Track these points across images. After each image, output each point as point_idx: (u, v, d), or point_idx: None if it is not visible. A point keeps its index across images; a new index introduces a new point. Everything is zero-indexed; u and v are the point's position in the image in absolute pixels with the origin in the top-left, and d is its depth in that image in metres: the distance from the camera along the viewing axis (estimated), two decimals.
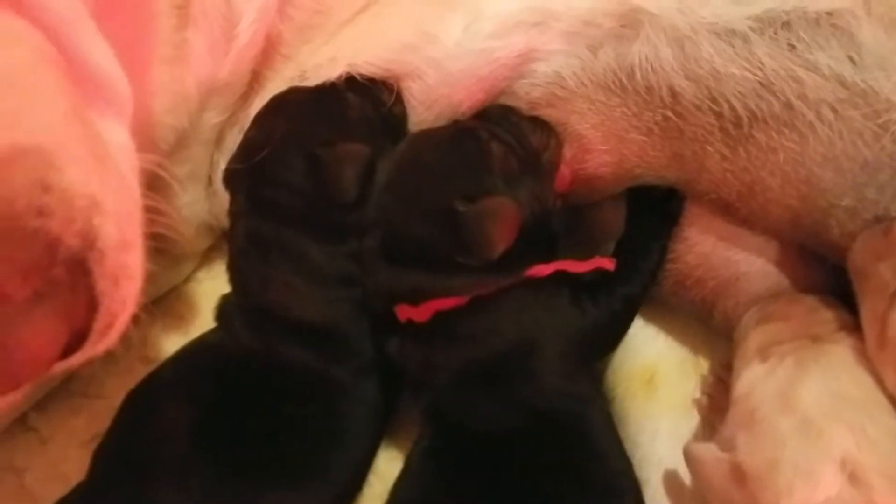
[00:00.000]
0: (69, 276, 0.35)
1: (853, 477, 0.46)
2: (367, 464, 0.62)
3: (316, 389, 0.59)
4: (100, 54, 0.43)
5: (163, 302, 0.75)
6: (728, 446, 0.52)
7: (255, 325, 0.60)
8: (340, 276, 0.60)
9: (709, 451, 0.52)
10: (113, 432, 0.58)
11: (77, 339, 0.38)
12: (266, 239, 0.60)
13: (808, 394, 0.49)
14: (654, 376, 0.64)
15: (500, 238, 0.55)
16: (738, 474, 0.50)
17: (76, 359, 0.39)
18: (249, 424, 0.56)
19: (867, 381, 0.49)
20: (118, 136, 0.44)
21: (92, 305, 0.37)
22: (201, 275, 0.77)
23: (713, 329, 0.63)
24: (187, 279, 0.77)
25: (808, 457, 0.47)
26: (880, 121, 0.51)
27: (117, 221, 0.39)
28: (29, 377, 0.36)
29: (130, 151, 0.45)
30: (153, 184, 0.67)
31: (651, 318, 0.67)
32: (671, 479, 0.58)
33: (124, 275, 0.39)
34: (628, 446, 0.59)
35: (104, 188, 0.38)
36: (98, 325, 0.38)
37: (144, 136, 0.62)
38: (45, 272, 0.34)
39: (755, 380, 0.52)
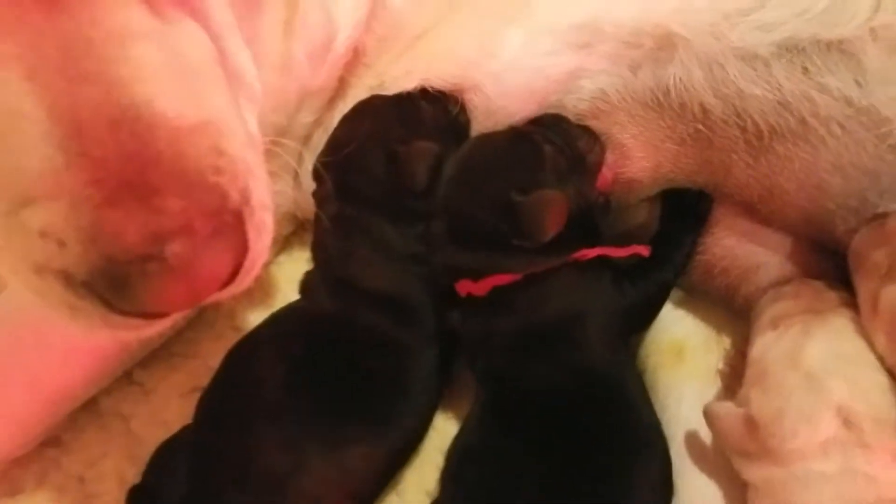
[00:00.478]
0: (234, 222, 0.46)
1: (847, 421, 0.56)
2: (428, 417, 0.71)
3: (387, 350, 0.69)
4: (244, 57, 0.54)
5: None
6: (743, 402, 0.61)
7: (337, 294, 0.70)
8: (411, 253, 0.70)
9: (726, 408, 0.62)
10: (215, 383, 0.68)
11: (231, 276, 0.48)
12: (349, 220, 0.70)
13: (811, 354, 0.58)
14: (682, 350, 0.73)
15: (551, 225, 0.65)
16: (751, 425, 0.60)
17: (229, 291, 0.49)
18: (331, 376, 0.66)
19: (861, 344, 0.59)
20: (252, 124, 0.55)
21: (243, 249, 0.48)
22: (282, 258, 0.87)
23: (735, 311, 0.72)
24: (270, 262, 0.87)
25: (810, 405, 0.57)
26: (880, 132, 0.61)
27: (260, 184, 0.49)
28: (206, 294, 0.46)
29: (258, 137, 0.56)
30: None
31: (681, 302, 0.76)
32: (693, 437, 0.67)
33: (265, 229, 0.49)
34: (657, 408, 0.69)
35: (251, 157, 0.49)
36: (246, 265, 0.48)
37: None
38: (219, 217, 0.45)
39: (767, 344, 0.61)
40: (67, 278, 0.43)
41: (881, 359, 0.58)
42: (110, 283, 0.42)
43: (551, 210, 0.65)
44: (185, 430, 0.68)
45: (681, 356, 0.73)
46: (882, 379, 0.57)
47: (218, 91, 0.48)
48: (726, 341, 0.72)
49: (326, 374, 0.66)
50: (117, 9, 0.43)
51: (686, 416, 0.68)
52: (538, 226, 0.64)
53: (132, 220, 0.41)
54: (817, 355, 0.58)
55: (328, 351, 0.68)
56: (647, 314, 0.72)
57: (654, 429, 0.66)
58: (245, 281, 0.50)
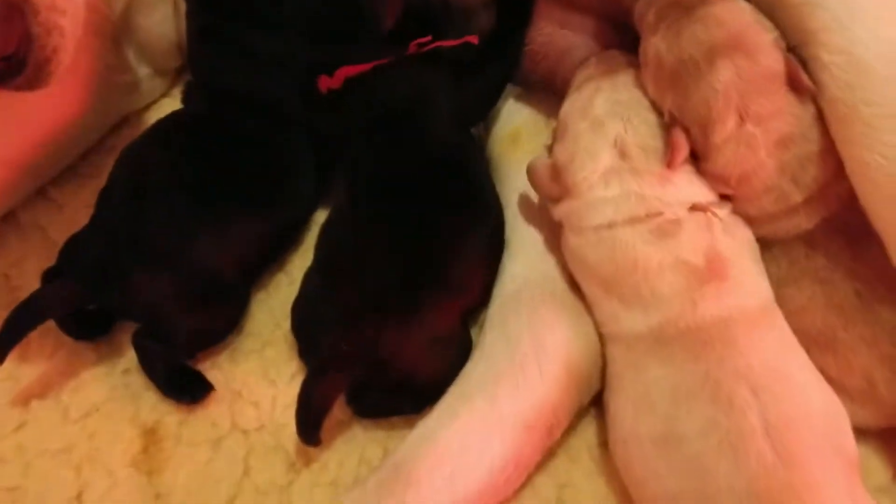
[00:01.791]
0: (8, 13, 0.55)
1: (622, 152, 0.68)
2: (308, 205, 0.83)
3: (264, 144, 0.79)
4: None
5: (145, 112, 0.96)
6: (550, 155, 0.73)
7: (213, 100, 0.80)
8: (276, 58, 0.79)
9: (538, 161, 0.74)
10: (110, 177, 0.78)
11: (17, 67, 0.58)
12: (216, 31, 0.79)
13: (597, 104, 0.70)
14: (518, 136, 0.85)
15: (388, 14, 0.75)
16: (555, 171, 0.72)
17: (19, 82, 0.59)
18: (213, 166, 0.76)
19: (638, 93, 0.70)
20: None
21: (28, 39, 0.57)
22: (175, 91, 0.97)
23: (559, 95, 0.82)
24: (164, 94, 0.97)
25: (593, 143, 0.69)
26: None
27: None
28: None
29: None
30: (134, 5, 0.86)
31: (518, 97, 0.87)
32: (523, 199, 0.80)
33: (56, 30, 0.59)
34: (499, 186, 0.81)
35: None
36: (32, 59, 0.58)
37: None
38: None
39: (569, 104, 0.73)
40: None
41: (653, 103, 0.70)
42: None
43: (386, 6, 0.75)
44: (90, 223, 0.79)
45: (517, 141, 0.84)
46: (651, 117, 0.69)
47: None
48: (553, 123, 0.83)
49: (208, 163, 0.77)
50: None
51: (519, 185, 0.80)
52: (373, 17, 0.74)
53: None
54: (601, 104, 0.70)
55: (209, 145, 0.78)
56: (485, 102, 0.83)
57: (491, 194, 0.79)
58: (44, 75, 0.60)
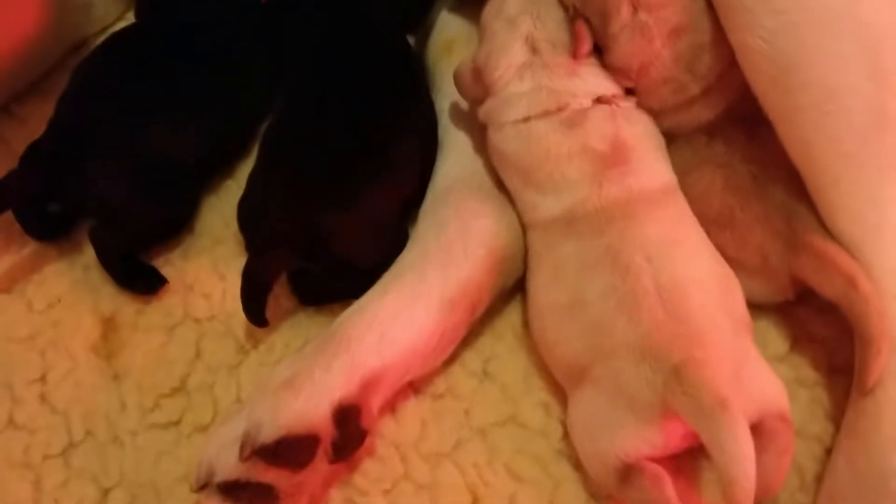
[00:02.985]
0: None
1: (532, 47, 0.74)
2: (255, 110, 0.88)
3: (215, 47, 0.84)
4: None
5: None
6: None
7: (161, 8, 0.86)
8: None
9: (463, 65, 0.80)
10: (69, 83, 0.84)
11: None
12: None
13: (511, 3, 0.76)
14: (452, 44, 0.90)
15: None
16: (476, 73, 0.78)
17: None
18: (163, 64, 0.82)
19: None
20: None
21: None
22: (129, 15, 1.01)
23: None
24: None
25: (507, 40, 0.75)
26: None
27: None
28: None
29: None
30: None
31: (450, 9, 0.92)
32: (454, 105, 0.86)
33: None
34: (433, 92, 0.88)
35: None
36: None
37: None
38: None
39: (488, 7, 0.78)
40: None
41: (561, 2, 0.76)
42: None
43: None
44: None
45: (450, 49, 0.90)
46: (558, 14, 0.76)
47: None
48: None
49: (159, 64, 0.82)
50: None
51: (451, 93, 0.86)
52: None
53: None
54: (514, 4, 0.76)
55: (159, 49, 0.84)
56: (419, 6, 0.89)
57: (425, 93, 0.85)
58: None
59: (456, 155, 0.84)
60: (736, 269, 0.74)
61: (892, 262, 0.70)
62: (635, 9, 0.71)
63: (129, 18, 1.00)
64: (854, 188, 0.70)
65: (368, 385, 0.69)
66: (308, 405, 0.67)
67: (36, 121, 0.92)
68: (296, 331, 0.81)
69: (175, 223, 0.84)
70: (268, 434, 0.66)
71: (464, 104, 0.85)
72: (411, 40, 0.92)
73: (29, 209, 0.83)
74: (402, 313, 0.73)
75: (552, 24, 0.74)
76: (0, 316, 0.82)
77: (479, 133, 0.83)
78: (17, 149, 0.89)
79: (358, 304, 0.75)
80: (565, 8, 0.75)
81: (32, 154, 0.81)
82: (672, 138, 0.78)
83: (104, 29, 0.99)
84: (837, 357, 0.76)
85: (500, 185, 0.81)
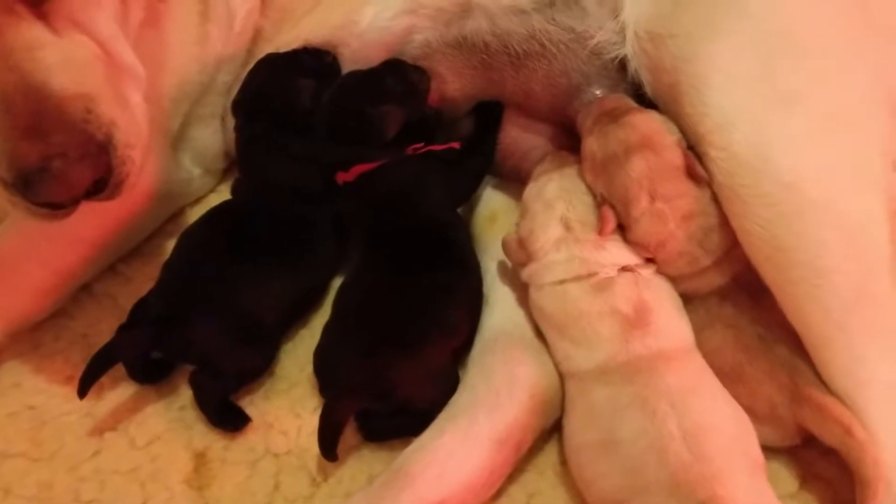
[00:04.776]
0: (96, 151, 0.78)
1: (566, 225, 0.90)
2: (329, 270, 1.04)
3: (296, 222, 1.00)
4: (128, 55, 0.86)
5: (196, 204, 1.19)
6: (518, 231, 0.94)
7: (256, 191, 1.03)
8: (306, 156, 1.02)
9: (509, 236, 0.95)
10: (173, 252, 1.00)
11: (101, 187, 0.81)
12: (259, 137, 1.03)
13: (549, 189, 0.92)
14: (495, 216, 1.07)
15: (390, 129, 0.98)
16: (521, 243, 0.93)
17: (105, 195, 0.82)
18: (253, 238, 0.98)
19: (579, 182, 0.93)
20: (136, 97, 0.86)
21: (106, 168, 0.80)
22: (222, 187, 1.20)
23: (524, 184, 1.03)
24: (211, 189, 1.20)
25: (545, 219, 0.90)
26: (587, 45, 0.96)
27: (127, 133, 0.81)
28: (77, 191, 0.79)
29: (142, 105, 0.87)
30: (190, 121, 1.10)
31: (495, 186, 1.10)
32: (500, 266, 1.01)
33: (129, 160, 0.82)
34: (480, 254, 1.03)
35: (122, 116, 0.81)
36: (111, 182, 0.81)
37: (181, 92, 1.06)
38: (85, 147, 0.78)
39: (529, 191, 0.95)
40: (3, 182, 0.78)
41: (589, 187, 0.92)
42: (23, 185, 0.77)
43: (390, 119, 0.98)
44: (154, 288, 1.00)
45: (494, 219, 1.07)
46: (587, 199, 0.91)
47: (94, 75, 0.81)
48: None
49: (251, 236, 0.99)
50: (27, 28, 0.77)
51: (497, 256, 1.01)
52: (380, 129, 0.97)
53: (33, 147, 0.76)
54: (552, 190, 0.92)
55: (253, 223, 1.00)
56: (466, 189, 1.05)
57: (473, 258, 1.00)
58: (118, 191, 0.83)
59: (501, 309, 0.98)
60: (749, 416, 0.85)
61: (882, 413, 0.81)
62: (653, 198, 0.86)
63: (220, 190, 1.19)
64: (843, 349, 0.83)
65: None
66: None
67: (140, 279, 1.09)
68: (361, 464, 0.93)
69: (261, 368, 0.98)
70: None
71: (507, 265, 1.00)
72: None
73: (134, 358, 0.97)
74: (458, 452, 0.84)
75: (582, 207, 0.90)
76: (106, 451, 0.94)
77: (520, 290, 0.97)
78: (123, 304, 1.06)
79: (419, 442, 0.86)
80: (593, 194, 0.91)
81: (141, 312, 0.96)
82: (688, 299, 0.92)
83: (199, 199, 1.17)
84: (843, 494, 0.86)
85: (539, 335, 0.94)
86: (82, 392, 0.90)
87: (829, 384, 0.83)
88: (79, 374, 0.90)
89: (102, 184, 0.81)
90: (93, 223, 1.04)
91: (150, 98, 0.90)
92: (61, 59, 0.78)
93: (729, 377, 0.87)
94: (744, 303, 0.90)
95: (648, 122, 0.89)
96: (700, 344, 0.89)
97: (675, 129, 0.90)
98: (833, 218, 0.81)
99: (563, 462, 0.91)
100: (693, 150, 0.88)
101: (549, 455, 0.92)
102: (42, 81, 0.76)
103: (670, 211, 0.87)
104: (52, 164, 0.76)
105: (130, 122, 0.83)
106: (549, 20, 0.98)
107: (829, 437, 0.82)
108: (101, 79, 0.81)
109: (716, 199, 0.87)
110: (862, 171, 0.84)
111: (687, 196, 0.87)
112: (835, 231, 0.81)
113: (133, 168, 0.83)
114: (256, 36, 1.10)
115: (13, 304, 1.01)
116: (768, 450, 0.85)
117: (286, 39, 1.08)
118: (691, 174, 0.87)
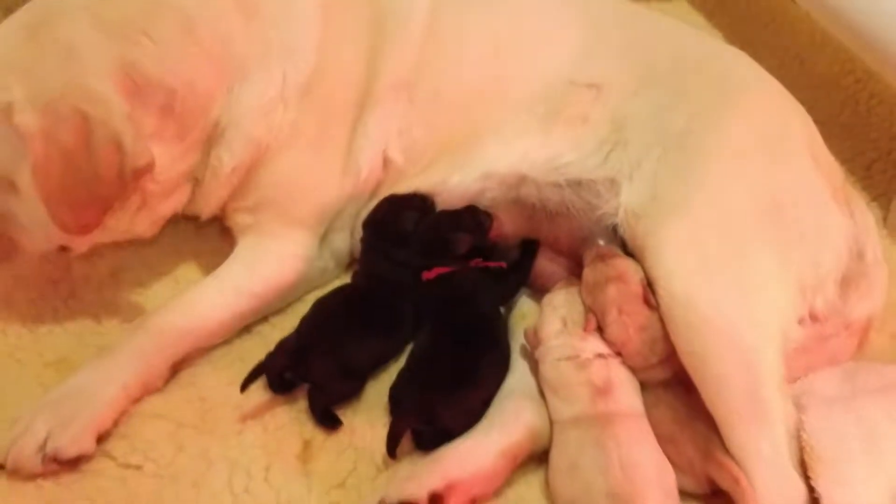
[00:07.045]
0: None
1: (564, 323, 1.39)
2: (409, 338, 1.53)
3: (390, 304, 1.53)
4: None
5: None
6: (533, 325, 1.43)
7: (368, 279, 1.56)
8: (402, 261, 1.55)
9: (528, 328, 1.44)
10: (309, 310, 1.52)
11: None
12: (375, 247, 1.57)
13: (557, 299, 1.43)
14: (525, 315, 1.58)
15: (463, 248, 1.51)
16: (534, 333, 1.42)
17: None
18: (363, 311, 1.50)
19: (577, 296, 1.43)
20: None
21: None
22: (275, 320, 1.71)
23: None
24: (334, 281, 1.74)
25: (552, 318, 1.40)
26: (595, 212, 1.47)
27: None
28: None
29: None
30: (330, 230, 1.66)
31: (528, 295, 1.61)
32: (522, 347, 1.49)
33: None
34: (511, 338, 1.52)
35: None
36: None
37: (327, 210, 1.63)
38: None
39: (545, 299, 1.45)
40: None
41: (583, 301, 1.41)
42: None
43: (462, 242, 1.51)
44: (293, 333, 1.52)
45: (524, 316, 1.58)
46: (581, 308, 1.41)
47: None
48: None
49: (361, 308, 1.51)
50: None
51: (521, 339, 1.49)
52: (455, 247, 1.51)
53: None
54: (559, 300, 1.42)
55: (364, 299, 1.53)
56: (507, 296, 1.57)
57: (506, 342, 1.50)
58: None
59: (519, 375, 1.46)
60: (673, 467, 1.29)
61: (761, 473, 1.23)
62: (620, 313, 1.35)
63: (342, 277, 1.73)
64: (740, 431, 1.26)
65: (449, 487, 1.25)
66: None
67: (282, 327, 1.61)
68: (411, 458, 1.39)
69: (353, 394, 1.47)
70: None
71: (527, 347, 1.47)
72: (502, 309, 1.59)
73: (274, 375, 1.48)
74: (475, 451, 1.30)
75: (575, 313, 1.40)
76: (247, 432, 1.43)
77: (532, 363, 1.45)
78: (270, 342, 1.57)
79: (447, 447, 1.33)
80: (585, 305, 1.40)
81: (281, 348, 1.47)
82: (644, 385, 1.37)
83: (328, 282, 1.71)
84: None
85: (541, 394, 1.40)
86: (242, 389, 1.41)
87: (730, 451, 1.27)
88: (238, 381, 1.42)
89: None
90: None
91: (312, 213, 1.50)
92: None
93: (664, 439, 1.31)
94: (680, 392, 1.35)
95: (624, 265, 1.40)
96: (648, 416, 1.34)
97: (640, 270, 1.40)
98: (730, 341, 1.27)
99: (545, 482, 1.34)
100: (650, 285, 1.37)
101: (538, 474, 1.36)
102: None
103: (631, 323, 1.35)
104: None
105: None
106: (576, 195, 1.51)
107: (725, 485, 1.25)
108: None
109: (661, 320, 1.34)
110: (760, 314, 1.30)
111: (642, 314, 1.35)
112: (732, 351, 1.27)
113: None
114: (377, 187, 1.66)
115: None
116: (686, 494, 1.28)
117: (399, 189, 1.64)
118: (647, 301, 1.36)
